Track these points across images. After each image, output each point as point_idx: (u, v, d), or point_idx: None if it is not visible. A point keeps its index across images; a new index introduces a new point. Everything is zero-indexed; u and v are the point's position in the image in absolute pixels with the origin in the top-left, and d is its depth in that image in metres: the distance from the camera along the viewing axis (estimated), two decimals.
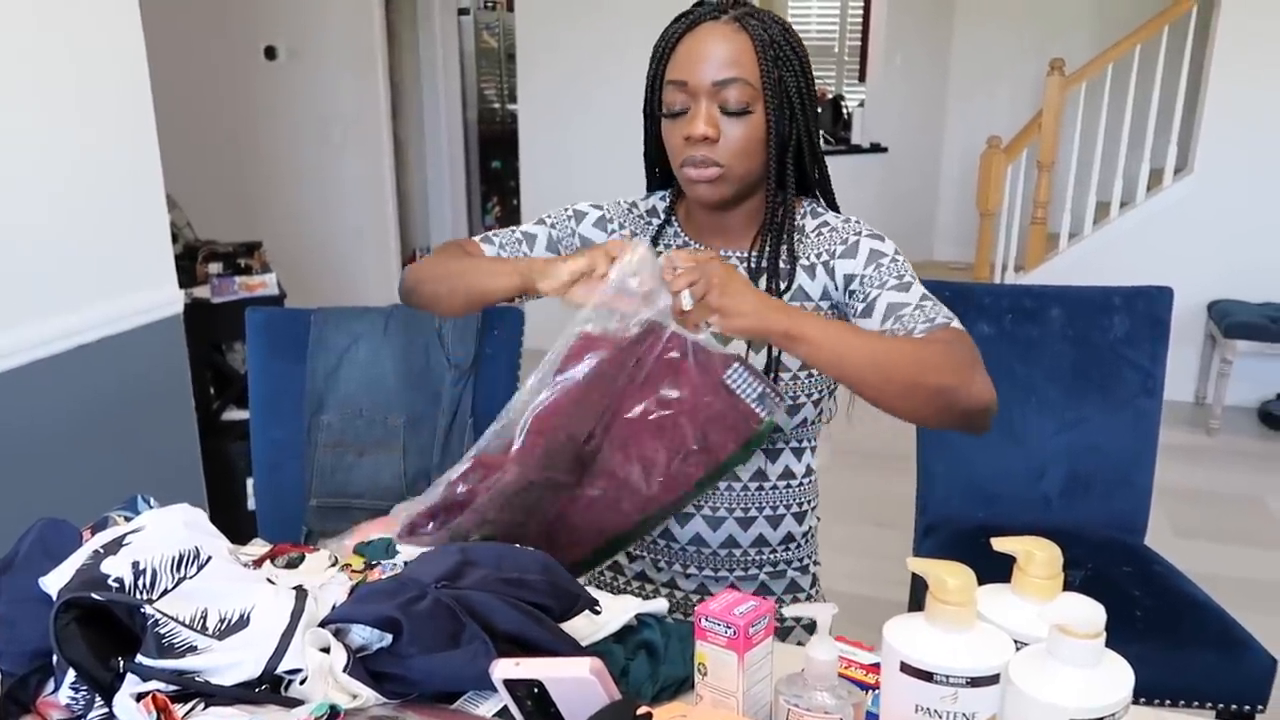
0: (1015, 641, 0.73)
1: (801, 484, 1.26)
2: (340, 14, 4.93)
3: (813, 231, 1.20)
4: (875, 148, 5.22)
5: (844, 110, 5.82)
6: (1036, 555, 0.78)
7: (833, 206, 1.24)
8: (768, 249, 1.18)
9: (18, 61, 1.89)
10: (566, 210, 1.28)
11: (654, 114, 1.18)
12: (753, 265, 1.18)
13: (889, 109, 5.30)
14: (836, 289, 1.17)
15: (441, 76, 5.79)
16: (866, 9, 5.82)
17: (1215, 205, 4.02)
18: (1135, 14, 4.40)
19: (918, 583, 1.84)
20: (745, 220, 1.20)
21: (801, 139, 1.14)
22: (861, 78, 5.88)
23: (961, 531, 1.84)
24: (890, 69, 5.30)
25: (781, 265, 1.17)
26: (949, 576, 0.73)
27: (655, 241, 1.25)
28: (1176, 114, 4.06)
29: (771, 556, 1.26)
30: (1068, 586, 0.79)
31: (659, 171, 1.27)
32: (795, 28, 1.17)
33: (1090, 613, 0.69)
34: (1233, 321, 3.78)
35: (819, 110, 1.21)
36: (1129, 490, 1.88)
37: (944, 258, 5.61)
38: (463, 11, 5.99)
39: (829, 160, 1.24)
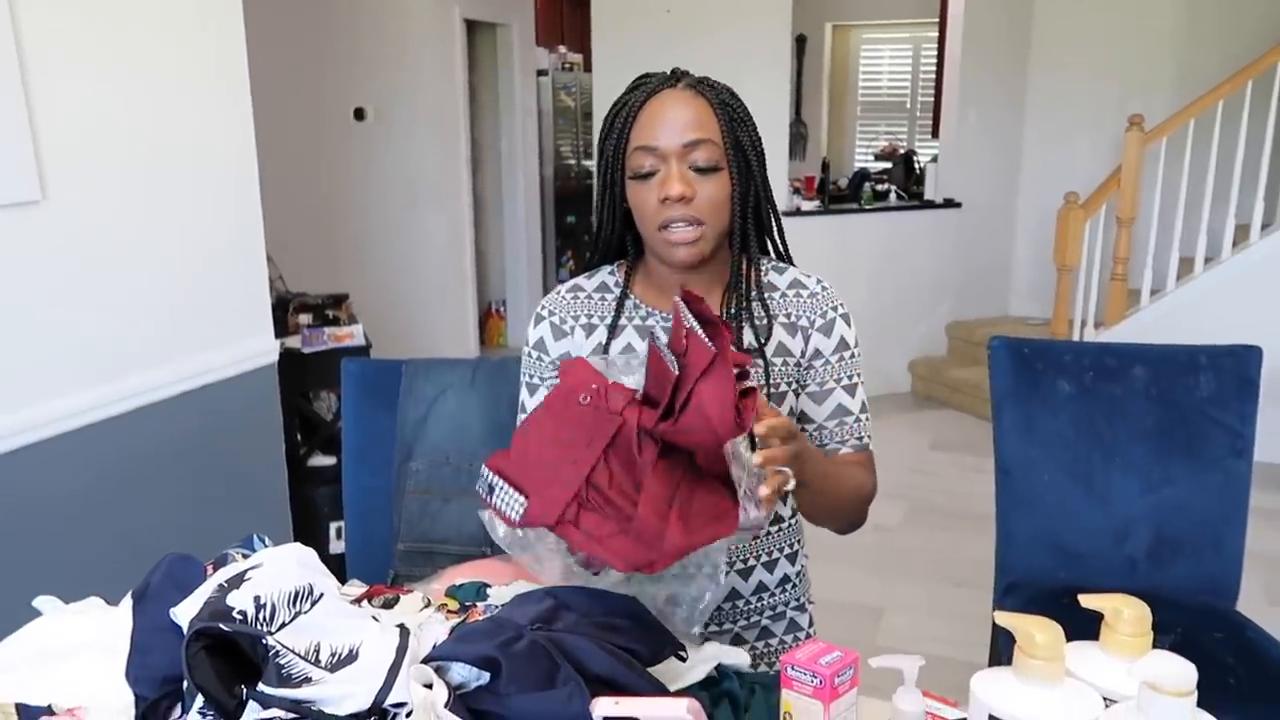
0: (1104, 699, 0.74)
1: (791, 525, 1.30)
2: (425, 76, 5.15)
3: (789, 290, 1.24)
4: (949, 203, 5.21)
5: (916, 165, 5.84)
6: (1125, 612, 0.78)
7: (786, 258, 1.27)
8: (739, 307, 1.20)
9: (138, 133, 2.04)
10: (526, 350, 1.29)
11: (615, 181, 1.18)
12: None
13: (963, 164, 5.29)
14: (805, 355, 1.22)
15: (520, 135, 5.97)
16: (939, 65, 5.85)
17: None
18: (1217, 68, 4.34)
19: (998, 644, 1.81)
20: (710, 281, 1.22)
21: (760, 195, 1.19)
22: (934, 133, 5.89)
23: (1043, 591, 1.81)
24: (964, 124, 5.30)
25: (758, 321, 1.21)
26: (1038, 631, 0.74)
27: (617, 315, 1.23)
28: (1263, 169, 3.98)
29: (771, 600, 1.29)
30: None
31: (602, 241, 1.25)
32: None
33: (1180, 670, 0.70)
34: None
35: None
36: (1219, 554, 1.83)
37: (1019, 313, 5.52)
38: (541, 73, 6.20)
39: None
